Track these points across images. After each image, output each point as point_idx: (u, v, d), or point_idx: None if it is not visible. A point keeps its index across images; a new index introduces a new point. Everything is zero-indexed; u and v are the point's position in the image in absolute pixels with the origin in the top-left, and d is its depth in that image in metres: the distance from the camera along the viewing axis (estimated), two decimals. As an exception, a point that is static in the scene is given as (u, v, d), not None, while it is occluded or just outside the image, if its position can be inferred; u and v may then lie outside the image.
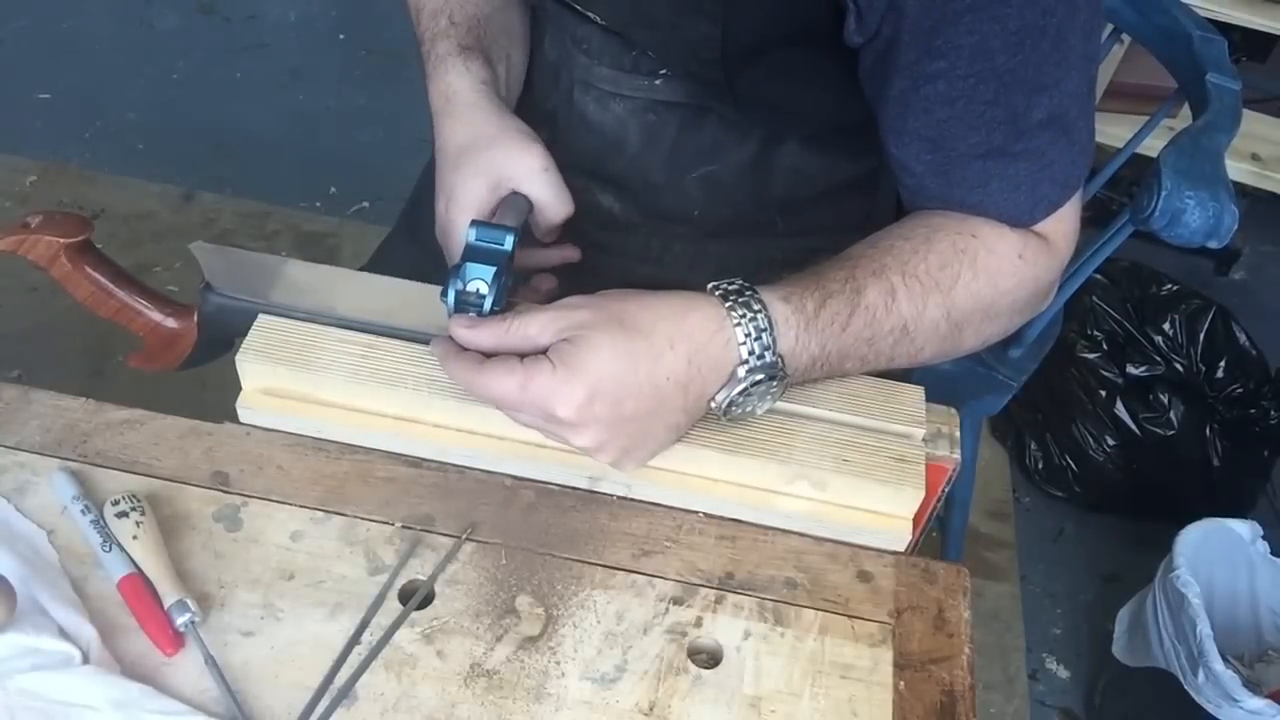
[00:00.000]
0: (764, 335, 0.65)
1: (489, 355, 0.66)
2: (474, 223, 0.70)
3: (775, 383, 0.67)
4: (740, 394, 0.66)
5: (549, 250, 0.85)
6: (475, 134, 0.79)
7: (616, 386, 0.63)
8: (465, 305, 0.68)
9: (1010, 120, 0.68)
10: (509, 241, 0.69)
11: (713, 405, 0.67)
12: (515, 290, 0.80)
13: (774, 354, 0.66)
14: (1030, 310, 0.77)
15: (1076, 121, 0.71)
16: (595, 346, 0.63)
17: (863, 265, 0.70)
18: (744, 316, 0.65)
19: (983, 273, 0.71)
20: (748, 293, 0.66)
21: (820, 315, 0.67)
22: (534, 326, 0.65)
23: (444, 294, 0.68)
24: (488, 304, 0.67)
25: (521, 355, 0.65)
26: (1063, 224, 0.75)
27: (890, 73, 0.69)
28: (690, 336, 0.65)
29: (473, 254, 0.69)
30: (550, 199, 0.79)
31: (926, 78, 0.68)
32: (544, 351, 0.64)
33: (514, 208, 0.77)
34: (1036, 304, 0.77)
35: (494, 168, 0.77)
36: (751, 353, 0.65)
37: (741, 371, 0.66)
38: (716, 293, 0.67)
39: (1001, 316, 0.74)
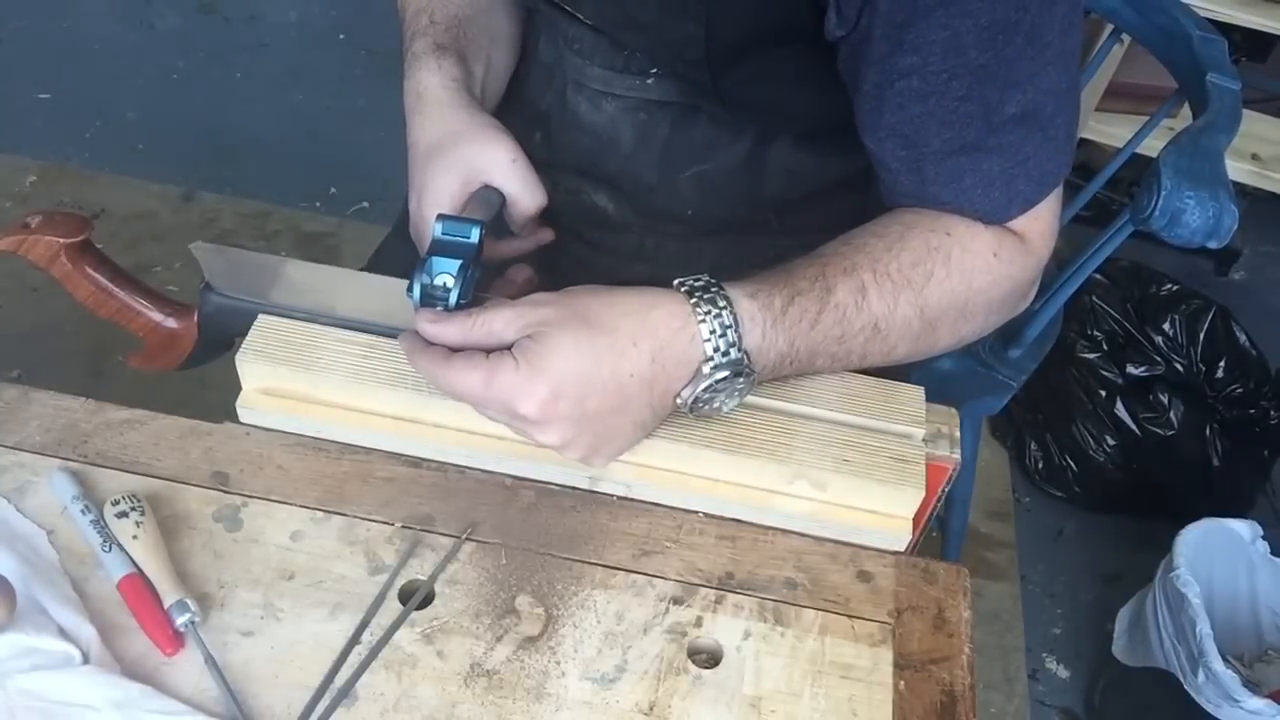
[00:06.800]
0: (729, 331, 0.65)
1: (457, 349, 0.66)
2: (440, 216, 0.70)
3: (742, 379, 0.67)
4: (706, 390, 0.66)
5: (522, 238, 0.85)
6: (444, 130, 0.79)
7: (579, 384, 0.63)
8: (431, 299, 0.68)
9: (983, 115, 0.68)
10: (475, 235, 0.69)
11: (678, 402, 0.67)
12: (490, 282, 0.80)
13: (739, 350, 0.66)
14: (1008, 310, 0.77)
15: (1054, 118, 0.70)
16: (558, 344, 0.63)
17: (833, 263, 0.70)
18: (709, 313, 0.65)
19: (956, 271, 0.71)
20: (713, 289, 0.66)
21: (788, 312, 0.67)
22: (499, 322, 0.65)
23: (410, 288, 0.68)
24: (453, 298, 0.67)
25: (488, 350, 0.65)
26: (1039, 222, 0.74)
27: (863, 67, 0.69)
28: (654, 333, 0.65)
29: (439, 248, 0.69)
30: (521, 190, 0.79)
31: (900, 73, 0.67)
32: (509, 347, 0.64)
33: (484, 202, 0.77)
34: (1014, 303, 0.77)
35: (463, 162, 0.78)
36: (716, 349, 0.65)
37: (706, 368, 0.66)
38: (682, 289, 0.67)
39: (977, 315, 0.74)
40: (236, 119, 2.38)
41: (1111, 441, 1.77)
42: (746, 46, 0.74)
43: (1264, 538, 1.48)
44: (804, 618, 0.66)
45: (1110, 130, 2.08)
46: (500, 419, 0.66)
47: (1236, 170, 2.05)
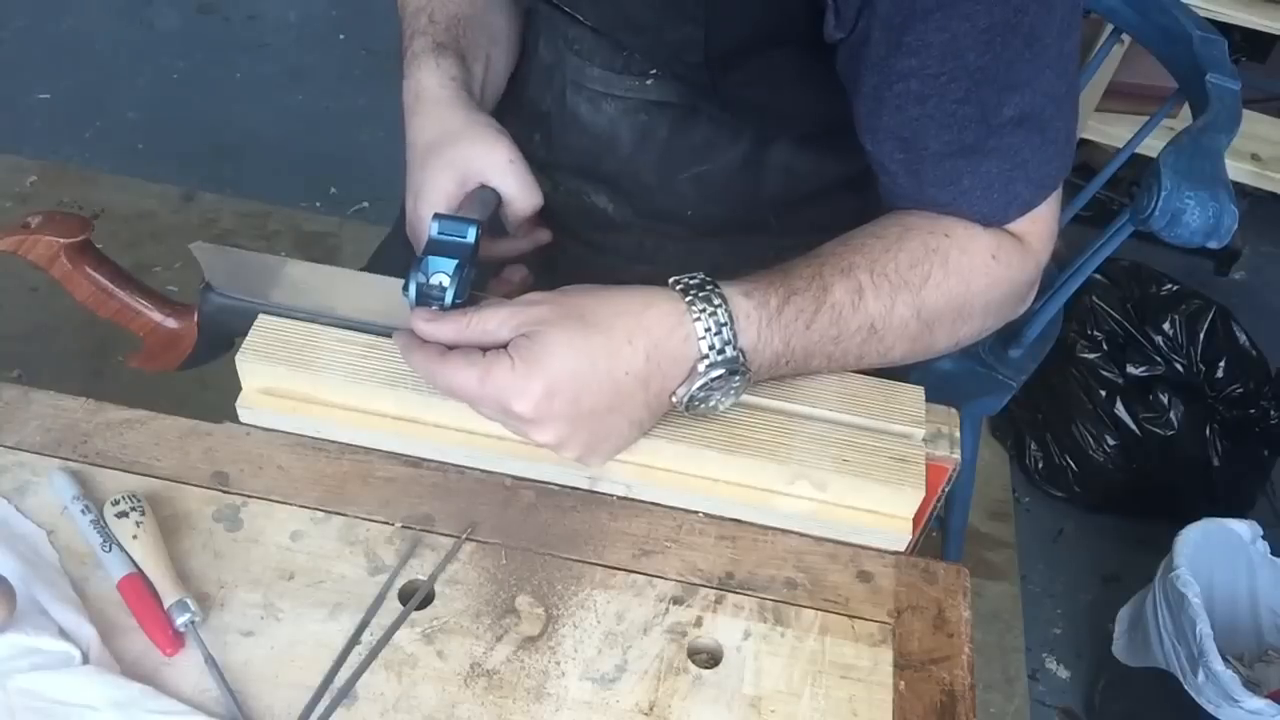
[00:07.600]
0: (724, 330, 0.65)
1: (452, 348, 0.66)
2: (436, 215, 0.70)
3: (737, 378, 0.67)
4: (701, 389, 0.66)
5: (518, 239, 0.85)
6: (443, 130, 0.79)
7: (574, 383, 0.63)
8: (427, 298, 0.68)
9: (981, 118, 0.68)
10: (471, 234, 0.69)
11: (674, 400, 0.67)
12: (486, 282, 0.80)
13: (735, 349, 0.66)
14: (1007, 312, 0.77)
15: (1052, 121, 0.70)
16: (553, 343, 0.63)
17: (830, 263, 0.69)
18: (704, 311, 0.65)
19: (954, 272, 0.71)
20: (708, 287, 0.66)
21: (784, 311, 0.67)
22: (493, 321, 0.65)
23: (406, 287, 0.68)
24: (449, 297, 0.67)
25: (483, 349, 0.65)
26: (1038, 224, 0.74)
27: (862, 69, 0.69)
28: (649, 331, 0.65)
29: (435, 247, 0.69)
30: (518, 191, 0.79)
31: (898, 75, 0.67)
32: (505, 346, 0.64)
33: (481, 201, 0.77)
34: (1013, 305, 0.77)
35: (461, 162, 0.78)
36: (711, 347, 0.65)
37: (701, 366, 0.66)
38: (677, 287, 0.67)
39: (975, 317, 0.74)
40: (236, 119, 2.38)
41: (1111, 441, 1.77)
42: (745, 48, 0.74)
43: (1264, 538, 1.48)
44: (804, 618, 0.66)
45: (1110, 130, 2.08)
46: (496, 417, 0.66)
47: (1236, 170, 2.05)
